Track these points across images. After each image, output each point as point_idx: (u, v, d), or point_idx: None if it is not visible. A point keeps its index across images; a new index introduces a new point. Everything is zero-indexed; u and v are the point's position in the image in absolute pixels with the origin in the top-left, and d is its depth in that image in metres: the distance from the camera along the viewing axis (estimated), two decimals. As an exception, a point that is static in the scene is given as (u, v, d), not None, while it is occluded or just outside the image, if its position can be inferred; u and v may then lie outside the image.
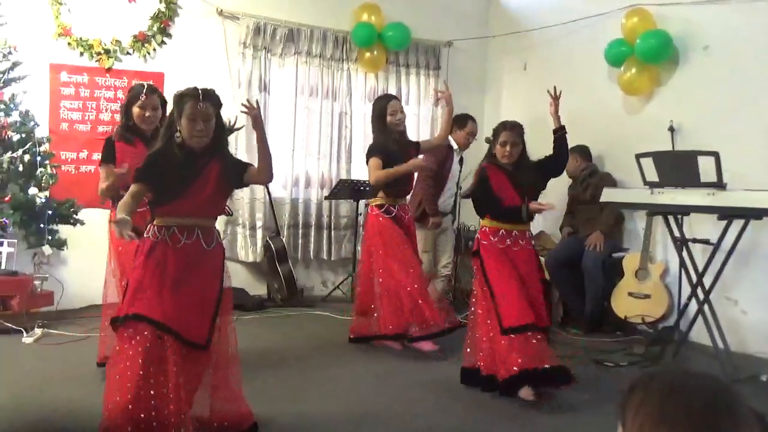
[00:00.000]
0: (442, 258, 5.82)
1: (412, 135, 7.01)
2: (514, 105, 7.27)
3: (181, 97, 3.04)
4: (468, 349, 4.03)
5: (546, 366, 3.68)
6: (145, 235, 3.11)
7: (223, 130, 3.13)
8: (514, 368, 3.66)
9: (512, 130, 3.95)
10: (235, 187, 3.34)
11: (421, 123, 7.28)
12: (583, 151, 5.94)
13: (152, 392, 2.92)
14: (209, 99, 3.04)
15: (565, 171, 5.45)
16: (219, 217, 3.36)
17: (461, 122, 5.72)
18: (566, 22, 6.47)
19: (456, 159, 5.74)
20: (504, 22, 7.41)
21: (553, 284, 5.83)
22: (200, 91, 3.02)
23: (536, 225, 5.86)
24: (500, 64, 7.58)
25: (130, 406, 2.86)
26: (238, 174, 3.21)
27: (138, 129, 3.94)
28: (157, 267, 3.02)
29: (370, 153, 4.81)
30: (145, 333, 2.94)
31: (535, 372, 3.65)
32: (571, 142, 5.62)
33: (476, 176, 4.10)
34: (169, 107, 3.24)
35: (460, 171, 5.85)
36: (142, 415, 2.88)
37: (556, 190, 5.70)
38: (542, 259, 5.92)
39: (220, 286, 3.15)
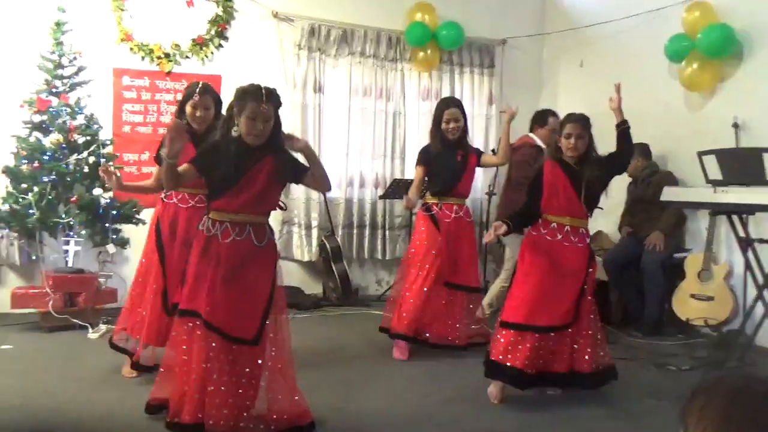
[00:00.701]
0: None
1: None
2: (570, 103, 7.09)
3: (243, 94, 3.06)
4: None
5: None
6: (199, 227, 3.18)
7: (279, 130, 3.15)
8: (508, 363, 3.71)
9: (577, 122, 3.82)
10: (288, 182, 3.37)
11: (475, 122, 7.23)
12: (644, 150, 5.79)
13: (211, 387, 3.05)
14: (271, 100, 3.06)
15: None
16: (275, 216, 3.41)
17: (542, 119, 5.54)
18: (624, 18, 6.33)
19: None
20: (560, 19, 7.30)
21: (612, 285, 5.73)
22: (263, 91, 3.04)
23: (594, 224, 5.76)
24: (556, 62, 7.47)
25: (195, 395, 3.04)
26: (295, 173, 3.24)
27: (190, 128, 4.01)
28: (210, 262, 3.09)
29: (418, 159, 4.84)
30: (199, 329, 3.07)
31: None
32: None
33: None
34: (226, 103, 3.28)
35: None
36: (206, 401, 3.05)
37: (619, 189, 5.60)
38: (599, 259, 5.87)
39: (272, 283, 3.20)
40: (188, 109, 3.93)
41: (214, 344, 3.07)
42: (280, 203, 3.29)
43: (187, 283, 3.15)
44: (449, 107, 4.79)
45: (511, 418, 3.63)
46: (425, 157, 4.78)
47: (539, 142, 5.47)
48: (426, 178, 4.80)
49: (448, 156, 4.73)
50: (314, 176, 3.22)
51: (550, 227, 3.85)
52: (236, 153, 3.07)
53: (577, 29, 6.99)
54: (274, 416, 3.17)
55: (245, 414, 3.12)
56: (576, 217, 3.86)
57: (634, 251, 5.60)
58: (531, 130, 5.49)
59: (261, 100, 3.01)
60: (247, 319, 3.11)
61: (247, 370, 3.12)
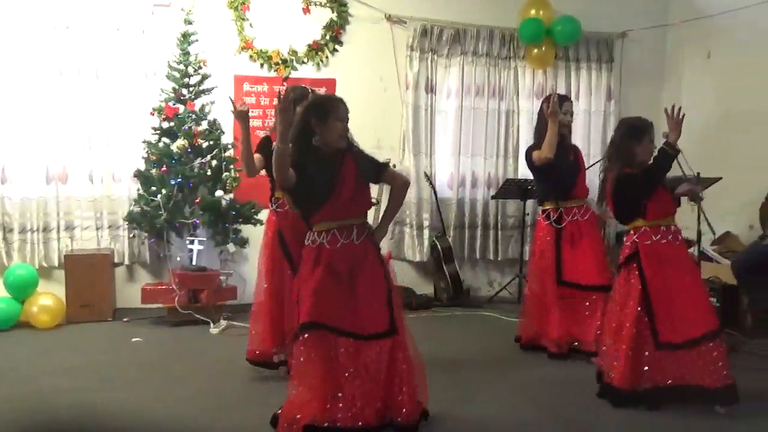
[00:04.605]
0: None
1: (584, 131, 6.84)
2: (695, 98, 6.75)
3: (326, 101, 3.24)
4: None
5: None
6: (306, 242, 3.26)
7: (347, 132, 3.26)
8: (669, 381, 3.61)
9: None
10: (371, 181, 3.40)
11: (592, 119, 6.99)
12: None
13: (339, 394, 3.12)
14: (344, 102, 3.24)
15: None
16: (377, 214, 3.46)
17: None
18: (755, 4, 5.89)
19: None
20: (684, 8, 6.91)
21: (741, 290, 5.36)
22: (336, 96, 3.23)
23: (722, 225, 5.41)
24: (680, 54, 7.08)
25: (328, 406, 3.11)
26: (374, 173, 3.33)
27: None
28: (326, 270, 3.16)
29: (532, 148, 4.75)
30: (323, 339, 3.13)
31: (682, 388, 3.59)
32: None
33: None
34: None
35: None
36: (339, 415, 3.10)
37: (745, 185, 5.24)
38: (727, 261, 5.51)
39: (385, 275, 3.29)
40: (298, 109, 4.01)
41: (344, 350, 3.14)
42: (373, 199, 3.36)
43: (305, 297, 3.18)
44: (565, 101, 4.73)
45: (618, 426, 3.48)
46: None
47: None
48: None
49: (563, 158, 4.63)
50: (395, 182, 3.39)
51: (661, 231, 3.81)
52: (324, 163, 3.17)
53: (704, 18, 6.58)
54: (403, 409, 3.21)
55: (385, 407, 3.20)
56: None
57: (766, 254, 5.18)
58: None
59: (343, 102, 3.21)
60: (375, 315, 3.20)
61: (376, 366, 3.18)
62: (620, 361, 3.69)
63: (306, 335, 3.12)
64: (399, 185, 3.44)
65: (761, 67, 5.92)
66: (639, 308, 3.69)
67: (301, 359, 3.17)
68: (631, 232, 3.85)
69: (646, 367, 3.67)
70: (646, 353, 3.67)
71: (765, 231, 5.56)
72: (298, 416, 3.13)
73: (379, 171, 3.36)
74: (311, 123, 3.17)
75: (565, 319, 4.62)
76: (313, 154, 3.17)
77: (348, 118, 3.22)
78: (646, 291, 3.70)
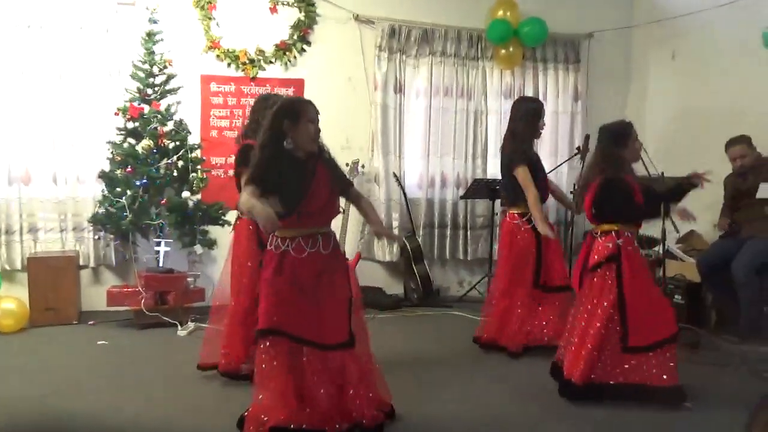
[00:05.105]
0: None
1: (551, 132, 6.91)
2: (661, 97, 6.86)
3: (293, 104, 3.18)
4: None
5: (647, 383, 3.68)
6: (268, 248, 3.21)
7: (319, 135, 3.22)
8: (620, 380, 3.73)
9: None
10: (340, 194, 3.37)
11: (560, 119, 7.05)
12: (749, 140, 5.42)
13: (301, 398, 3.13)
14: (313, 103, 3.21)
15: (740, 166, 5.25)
16: (356, 216, 3.46)
17: None
18: (719, 6, 6.00)
19: None
20: (649, 9, 7.01)
21: (705, 287, 5.45)
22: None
23: (686, 224, 5.48)
24: (646, 55, 7.17)
25: (294, 409, 3.09)
26: (342, 187, 3.32)
27: None
28: (288, 279, 3.13)
29: (518, 160, 4.68)
30: (285, 346, 3.12)
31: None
32: (731, 135, 5.26)
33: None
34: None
35: None
36: (305, 418, 3.10)
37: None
38: (692, 259, 5.59)
39: (348, 285, 3.26)
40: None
41: (307, 357, 3.14)
42: (341, 207, 3.35)
43: (265, 303, 3.15)
44: (542, 105, 4.87)
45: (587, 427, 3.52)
46: (526, 158, 4.70)
47: None
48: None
49: (539, 163, 4.73)
50: (360, 201, 3.40)
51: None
52: (297, 168, 3.12)
53: (668, 20, 6.68)
54: (365, 411, 3.23)
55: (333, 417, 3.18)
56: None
57: (729, 252, 5.26)
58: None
59: (312, 104, 3.17)
60: (336, 325, 3.17)
61: (345, 371, 3.19)
62: (583, 358, 3.73)
63: (267, 342, 3.11)
64: (364, 205, 3.43)
65: (724, 68, 6.03)
66: (611, 310, 3.74)
67: (263, 366, 3.15)
68: (613, 234, 3.85)
69: (600, 364, 3.75)
70: (607, 351, 3.73)
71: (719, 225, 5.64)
72: (265, 419, 3.11)
73: (347, 186, 3.35)
74: (283, 125, 3.11)
75: (528, 319, 4.68)
76: (285, 158, 3.11)
77: (318, 120, 3.19)
78: (622, 293, 3.74)
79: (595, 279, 3.86)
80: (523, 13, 6.74)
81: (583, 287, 3.95)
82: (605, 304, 3.76)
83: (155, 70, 5.62)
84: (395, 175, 6.60)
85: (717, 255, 5.37)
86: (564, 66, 7.07)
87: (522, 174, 4.62)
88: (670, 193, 4.08)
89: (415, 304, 6.39)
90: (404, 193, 6.59)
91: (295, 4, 6.36)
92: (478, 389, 4.06)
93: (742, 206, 5.41)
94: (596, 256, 3.87)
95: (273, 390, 3.13)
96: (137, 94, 5.57)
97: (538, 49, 6.98)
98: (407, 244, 6.49)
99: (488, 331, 4.84)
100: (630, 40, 7.30)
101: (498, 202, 6.54)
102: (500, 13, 6.68)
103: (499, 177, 6.65)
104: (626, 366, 3.72)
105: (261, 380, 3.18)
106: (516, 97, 6.71)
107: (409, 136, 6.79)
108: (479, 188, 6.44)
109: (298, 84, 6.32)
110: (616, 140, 3.89)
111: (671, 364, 3.67)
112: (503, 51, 6.75)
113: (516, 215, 4.76)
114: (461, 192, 6.75)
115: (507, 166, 4.78)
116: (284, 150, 3.12)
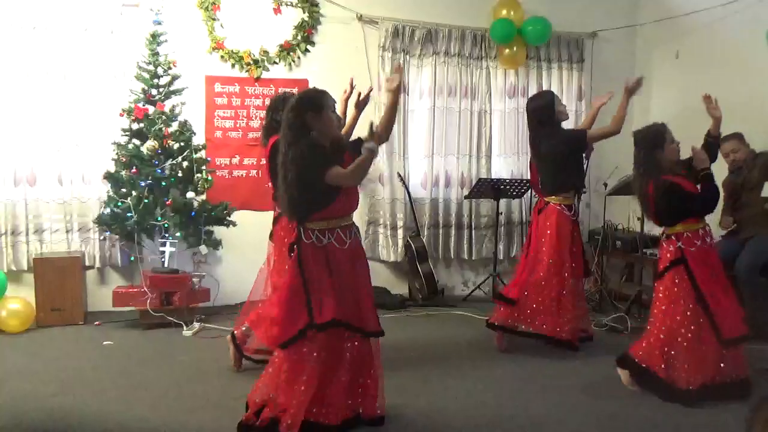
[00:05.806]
0: None
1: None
2: (665, 97, 6.85)
3: (316, 94, 3.24)
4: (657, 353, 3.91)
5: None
6: (306, 241, 3.20)
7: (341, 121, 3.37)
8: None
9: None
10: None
11: (563, 118, 7.04)
12: (741, 136, 5.43)
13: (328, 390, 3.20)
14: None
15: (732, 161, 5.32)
16: (360, 216, 3.48)
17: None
18: (723, 4, 5.99)
19: None
20: (653, 8, 7.00)
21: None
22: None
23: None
24: (650, 54, 7.17)
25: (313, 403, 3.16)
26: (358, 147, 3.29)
27: None
28: (334, 270, 3.18)
29: (567, 132, 4.96)
30: (331, 339, 3.17)
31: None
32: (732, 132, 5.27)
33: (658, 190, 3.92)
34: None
35: None
36: (323, 411, 3.17)
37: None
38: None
39: (368, 274, 3.37)
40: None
41: (350, 344, 3.22)
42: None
43: (322, 297, 3.16)
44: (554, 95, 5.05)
45: (592, 424, 3.52)
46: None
47: None
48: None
49: None
50: (382, 125, 3.38)
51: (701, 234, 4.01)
52: (334, 156, 3.17)
53: (672, 18, 6.68)
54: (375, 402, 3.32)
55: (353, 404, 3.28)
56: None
57: (731, 253, 5.24)
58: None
59: (327, 93, 3.26)
60: (370, 314, 3.27)
61: (368, 361, 3.29)
62: (686, 362, 3.75)
63: (319, 334, 3.14)
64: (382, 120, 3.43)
65: (728, 67, 6.02)
66: (695, 310, 3.77)
67: (295, 359, 3.17)
68: (673, 237, 3.91)
69: (722, 364, 3.80)
70: (704, 348, 3.76)
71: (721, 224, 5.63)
72: (284, 409, 3.15)
73: (360, 143, 3.30)
74: (307, 118, 3.15)
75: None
76: (317, 150, 3.14)
77: (335, 108, 3.27)
78: (701, 292, 3.77)
79: (665, 284, 3.90)
80: (527, 13, 6.74)
81: (655, 294, 4.00)
82: (690, 305, 3.79)
83: (160, 71, 5.63)
84: (399, 175, 6.60)
85: (720, 254, 5.34)
86: (568, 65, 7.07)
87: (590, 131, 4.86)
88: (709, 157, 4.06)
89: (420, 304, 6.39)
90: (408, 193, 6.59)
91: (299, 5, 6.38)
92: (482, 388, 4.07)
93: (742, 203, 5.44)
94: (661, 265, 3.98)
95: (305, 383, 3.14)
96: (142, 95, 5.58)
97: (542, 48, 6.98)
98: (412, 244, 6.50)
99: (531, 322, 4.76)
100: (634, 40, 7.29)
101: (502, 201, 6.57)
102: (504, 12, 6.68)
103: (503, 176, 6.75)
104: (722, 365, 3.80)
105: (293, 372, 3.17)
106: (520, 97, 6.78)
107: (413, 135, 6.79)
108: (484, 188, 6.45)
109: (302, 84, 6.31)
110: (653, 143, 3.92)
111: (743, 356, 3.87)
112: (507, 50, 6.76)
113: (563, 206, 4.80)
114: (465, 192, 6.75)
115: (552, 151, 4.82)
116: (314, 143, 3.15)
